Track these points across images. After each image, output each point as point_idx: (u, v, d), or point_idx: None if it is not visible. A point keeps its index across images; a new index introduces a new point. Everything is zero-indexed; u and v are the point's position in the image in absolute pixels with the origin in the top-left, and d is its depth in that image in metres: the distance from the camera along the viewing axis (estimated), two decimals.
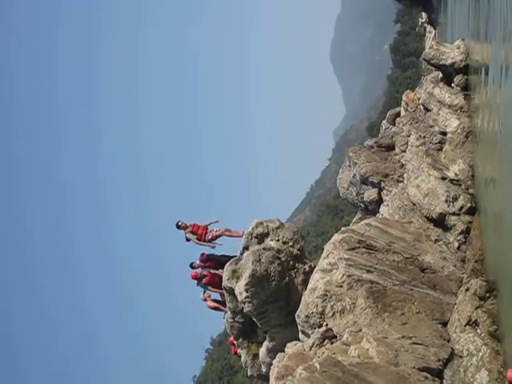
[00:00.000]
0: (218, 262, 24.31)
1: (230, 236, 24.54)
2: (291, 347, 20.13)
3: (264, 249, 22.24)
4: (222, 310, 24.60)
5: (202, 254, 24.47)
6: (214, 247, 24.47)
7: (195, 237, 24.31)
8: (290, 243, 23.00)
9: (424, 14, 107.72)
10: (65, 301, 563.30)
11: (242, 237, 23.63)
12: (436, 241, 20.12)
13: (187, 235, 24.40)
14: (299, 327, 19.79)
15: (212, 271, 24.07)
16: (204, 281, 24.26)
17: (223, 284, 23.09)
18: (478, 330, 15.76)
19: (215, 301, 24.82)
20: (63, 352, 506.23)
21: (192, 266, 24.69)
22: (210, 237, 24.37)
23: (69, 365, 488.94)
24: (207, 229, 24.51)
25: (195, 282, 24.47)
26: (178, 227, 24.66)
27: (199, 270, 24.43)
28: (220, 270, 23.70)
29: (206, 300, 24.94)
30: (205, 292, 24.80)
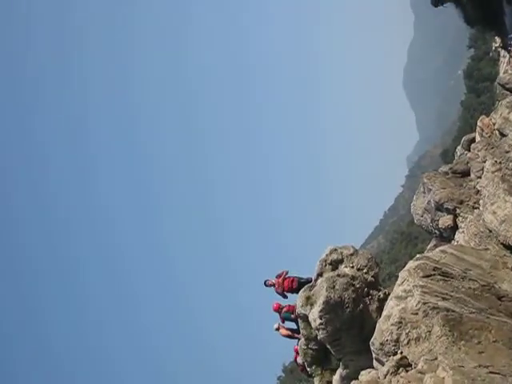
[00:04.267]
0: (294, 288, 24.46)
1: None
2: (365, 375, 19.97)
3: (338, 275, 22.18)
4: (295, 338, 24.57)
5: (285, 279, 24.66)
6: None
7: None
8: (365, 270, 22.88)
9: (497, 39, 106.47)
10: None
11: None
12: None
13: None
14: (373, 355, 19.60)
15: (291, 304, 24.29)
16: (285, 309, 24.39)
17: (297, 311, 23.08)
18: None
19: (289, 329, 24.82)
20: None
21: (266, 284, 24.92)
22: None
23: None
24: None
25: (277, 313, 24.71)
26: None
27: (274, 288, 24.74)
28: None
29: (278, 329, 24.99)
30: (283, 321, 24.86)
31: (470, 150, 27.88)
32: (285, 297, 24.80)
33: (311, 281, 23.81)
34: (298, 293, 23.88)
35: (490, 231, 21.20)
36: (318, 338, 21.82)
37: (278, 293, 24.76)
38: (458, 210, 24.18)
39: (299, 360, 24.93)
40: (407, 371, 17.55)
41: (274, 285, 24.69)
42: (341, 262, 23.11)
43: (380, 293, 22.61)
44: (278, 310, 24.55)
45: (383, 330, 18.93)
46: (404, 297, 19.04)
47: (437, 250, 21.19)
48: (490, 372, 15.79)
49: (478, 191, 24.33)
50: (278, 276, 24.74)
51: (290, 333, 24.74)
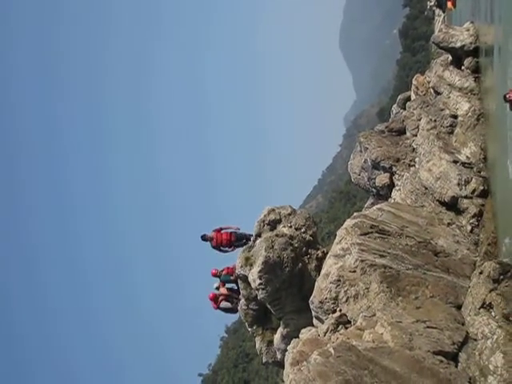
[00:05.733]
0: (231, 240, 24.37)
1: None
2: (305, 333, 20.17)
3: (277, 235, 22.22)
4: (235, 298, 24.55)
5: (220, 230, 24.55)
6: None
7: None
8: (303, 229, 22.96)
9: None
10: (73, 300, 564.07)
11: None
12: (449, 224, 20.10)
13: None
14: (313, 313, 19.80)
15: (230, 266, 24.16)
16: (224, 272, 24.32)
17: (236, 272, 23.10)
18: (493, 313, 15.70)
19: (229, 289, 24.76)
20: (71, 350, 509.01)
21: (204, 237, 24.65)
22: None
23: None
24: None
25: (217, 278, 24.58)
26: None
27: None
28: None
29: (218, 288, 24.90)
30: (224, 285, 24.69)
31: (405, 109, 28.09)
32: (221, 251, 24.55)
33: (248, 235, 23.91)
34: (236, 246, 23.96)
35: (426, 188, 21.46)
36: (258, 298, 21.89)
37: (214, 247, 24.53)
38: (394, 168, 24.39)
39: (223, 305, 24.84)
40: (346, 328, 17.75)
41: (212, 239, 24.44)
42: (279, 222, 23.15)
43: (318, 251, 22.73)
44: (217, 274, 24.46)
45: (322, 288, 19.09)
46: (342, 255, 19.20)
47: (374, 208, 21.40)
48: (428, 327, 16.06)
49: (414, 149, 24.57)
50: (216, 230, 24.55)
51: (230, 293, 24.69)
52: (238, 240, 24.21)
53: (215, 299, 24.53)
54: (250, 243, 23.19)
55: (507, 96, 15.57)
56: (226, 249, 24.54)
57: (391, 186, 24.67)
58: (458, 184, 20.30)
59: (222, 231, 24.52)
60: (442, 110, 24.10)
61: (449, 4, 48.81)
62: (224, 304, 24.71)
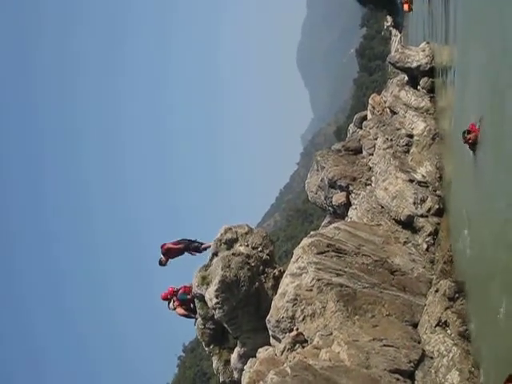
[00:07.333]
0: (179, 249, 24.48)
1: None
2: (262, 352, 20.09)
3: (233, 254, 22.14)
4: (192, 318, 24.40)
5: (162, 246, 24.55)
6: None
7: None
8: (260, 248, 22.92)
9: (389, 18, 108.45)
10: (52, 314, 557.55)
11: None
12: (405, 243, 20.19)
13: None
14: (270, 332, 19.73)
15: (187, 285, 24.07)
16: (181, 291, 24.17)
17: (193, 291, 22.98)
18: (448, 331, 15.83)
19: (186, 309, 24.60)
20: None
21: (161, 263, 24.71)
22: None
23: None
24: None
25: (173, 297, 24.40)
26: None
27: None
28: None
29: (175, 308, 24.70)
30: (181, 304, 24.49)
31: (362, 128, 28.28)
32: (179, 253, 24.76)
33: (190, 241, 24.20)
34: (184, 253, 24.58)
35: (382, 207, 21.57)
36: (215, 317, 21.78)
37: (172, 257, 24.66)
38: (350, 187, 24.50)
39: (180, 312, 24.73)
40: (303, 347, 17.73)
41: (166, 260, 24.58)
42: (236, 241, 23.10)
43: (275, 270, 22.69)
44: (174, 293, 24.33)
45: (279, 307, 19.06)
46: (299, 274, 19.19)
47: (331, 226, 21.44)
48: (384, 345, 16.10)
49: (370, 168, 24.72)
50: (163, 254, 24.63)
51: (186, 313, 24.54)
52: (187, 248, 24.48)
53: (169, 299, 24.41)
54: (207, 262, 23.14)
55: (467, 137, 15.18)
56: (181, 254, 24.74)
57: (348, 204, 24.75)
58: (414, 203, 20.44)
59: (167, 245, 24.60)
60: (398, 129, 24.31)
61: (405, 6, 49.66)
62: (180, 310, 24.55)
